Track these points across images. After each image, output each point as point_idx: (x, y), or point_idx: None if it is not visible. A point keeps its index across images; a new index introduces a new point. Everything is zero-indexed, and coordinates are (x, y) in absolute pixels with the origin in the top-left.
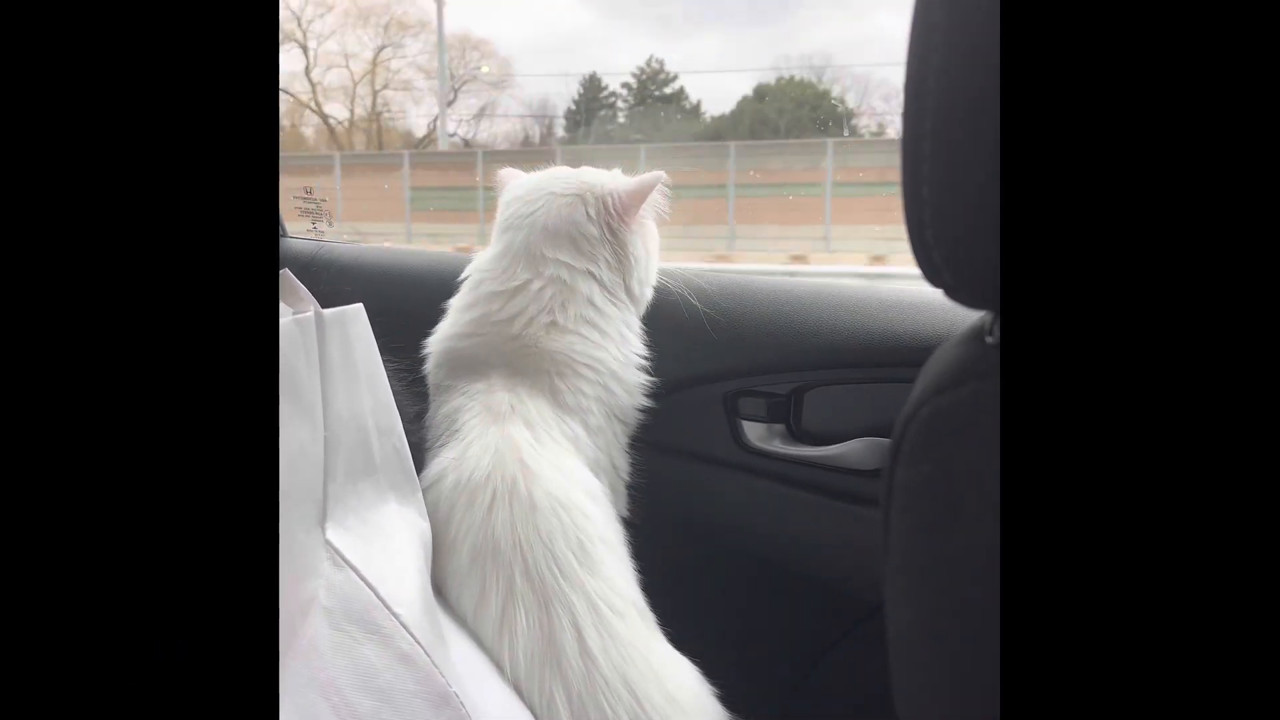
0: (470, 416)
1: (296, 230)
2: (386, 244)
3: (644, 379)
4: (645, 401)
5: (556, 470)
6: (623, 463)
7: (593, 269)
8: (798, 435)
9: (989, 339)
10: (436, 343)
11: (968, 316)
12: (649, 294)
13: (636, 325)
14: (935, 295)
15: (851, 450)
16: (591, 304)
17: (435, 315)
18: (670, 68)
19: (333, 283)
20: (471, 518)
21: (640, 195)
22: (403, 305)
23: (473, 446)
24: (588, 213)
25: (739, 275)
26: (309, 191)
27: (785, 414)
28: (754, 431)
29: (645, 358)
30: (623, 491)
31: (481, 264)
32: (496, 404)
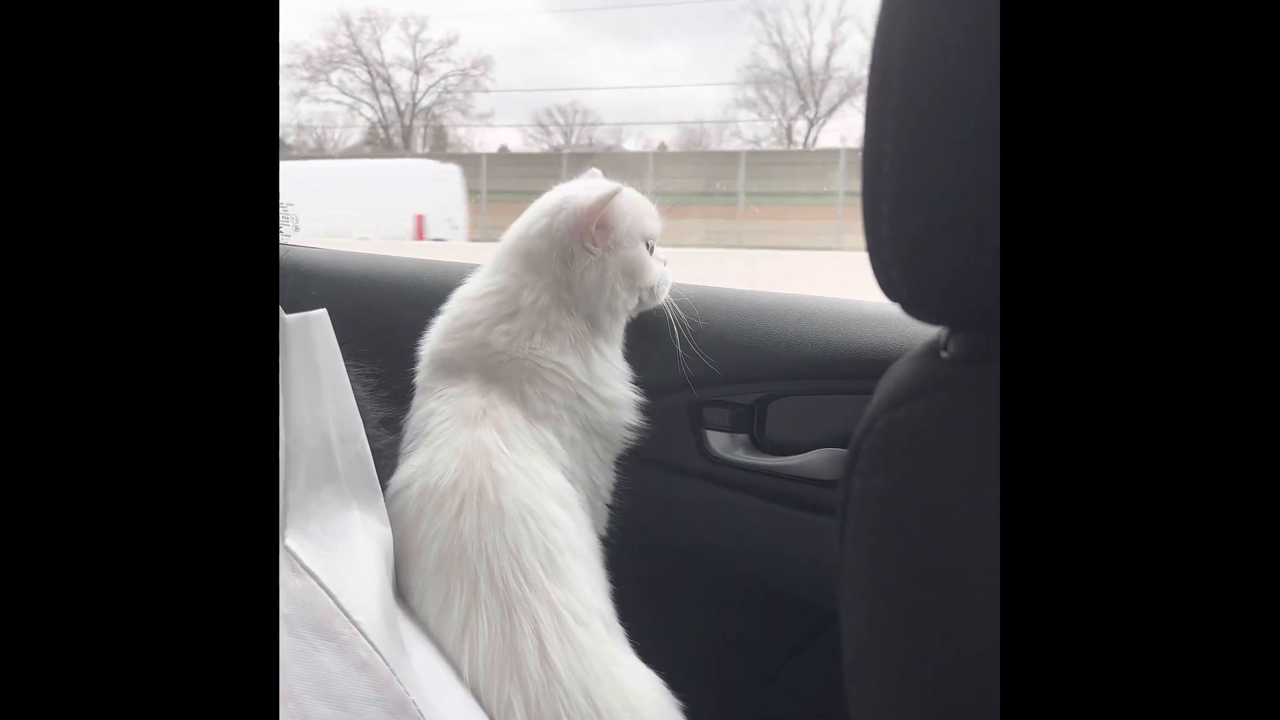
0: (441, 420)
1: None
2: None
3: (626, 393)
4: (632, 419)
5: (526, 476)
6: (603, 479)
7: (537, 281)
8: (761, 445)
9: (944, 354)
10: (426, 346)
11: (928, 332)
12: (607, 321)
13: (605, 346)
14: (895, 309)
15: (813, 460)
16: (542, 315)
17: (400, 320)
18: None
19: (298, 287)
20: (439, 523)
21: (591, 213)
22: (368, 310)
23: (441, 451)
24: (546, 226)
25: (704, 287)
26: None
27: (749, 424)
28: (718, 441)
29: (632, 376)
30: (602, 510)
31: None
32: (469, 408)
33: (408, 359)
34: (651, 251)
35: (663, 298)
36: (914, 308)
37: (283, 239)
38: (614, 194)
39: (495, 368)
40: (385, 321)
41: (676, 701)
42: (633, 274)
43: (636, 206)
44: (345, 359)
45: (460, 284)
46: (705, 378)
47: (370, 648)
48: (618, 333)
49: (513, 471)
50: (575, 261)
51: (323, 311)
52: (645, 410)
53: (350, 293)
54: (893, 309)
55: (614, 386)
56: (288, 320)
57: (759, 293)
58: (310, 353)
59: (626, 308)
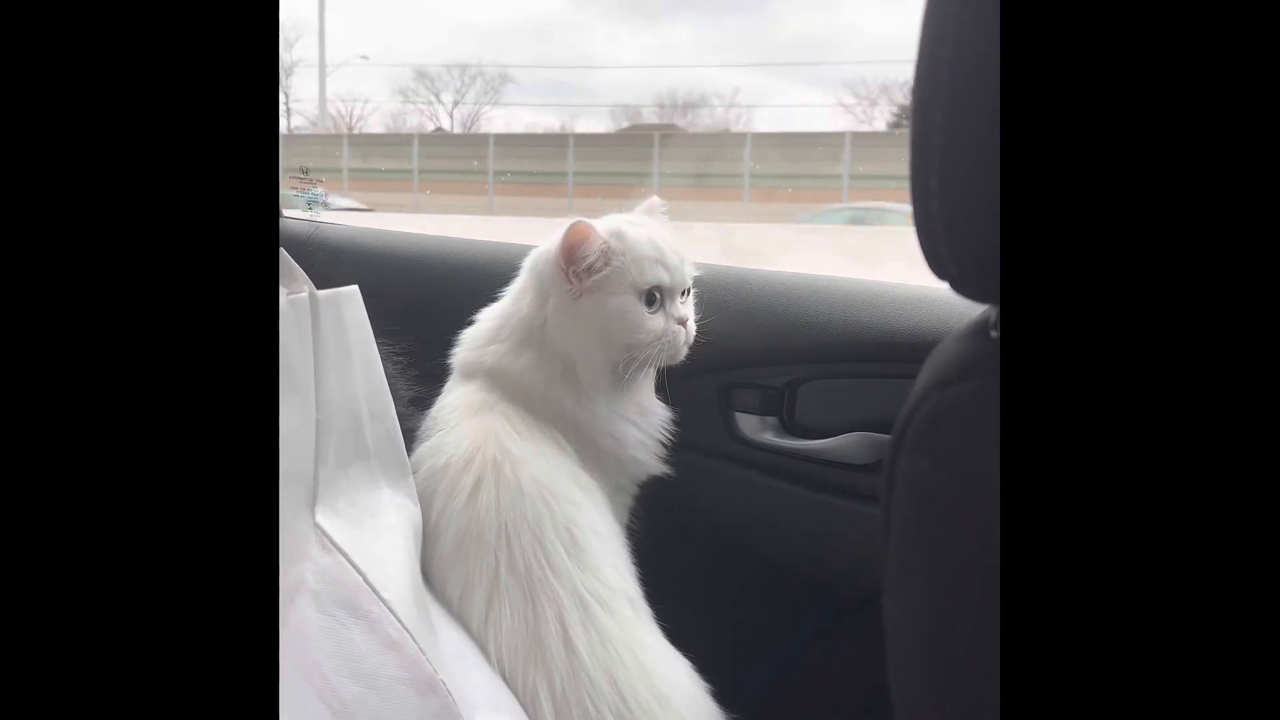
0: (450, 412)
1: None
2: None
3: (634, 434)
4: (645, 457)
5: (541, 458)
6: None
7: (517, 311)
8: (790, 428)
9: (994, 334)
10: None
11: (964, 314)
12: (588, 375)
13: (599, 394)
14: (930, 292)
15: (844, 444)
16: (519, 349)
17: (429, 299)
18: None
19: (329, 264)
20: (454, 503)
21: (563, 253)
22: (398, 288)
23: (451, 434)
24: (533, 261)
25: (735, 268)
26: (304, 171)
27: (779, 407)
28: (747, 423)
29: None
30: (626, 500)
31: None
32: (476, 401)
33: (438, 338)
34: (662, 304)
35: (679, 357)
36: (964, 286)
37: (311, 217)
38: (574, 227)
39: (498, 377)
40: (416, 300)
41: (706, 685)
42: (603, 328)
43: (633, 249)
44: (376, 336)
45: (491, 262)
46: (735, 360)
47: (399, 626)
48: (608, 384)
49: (527, 452)
50: (545, 303)
51: (354, 288)
52: (675, 392)
53: (381, 270)
54: (928, 291)
55: (618, 428)
56: (320, 296)
57: (790, 274)
58: (341, 329)
59: (609, 361)
